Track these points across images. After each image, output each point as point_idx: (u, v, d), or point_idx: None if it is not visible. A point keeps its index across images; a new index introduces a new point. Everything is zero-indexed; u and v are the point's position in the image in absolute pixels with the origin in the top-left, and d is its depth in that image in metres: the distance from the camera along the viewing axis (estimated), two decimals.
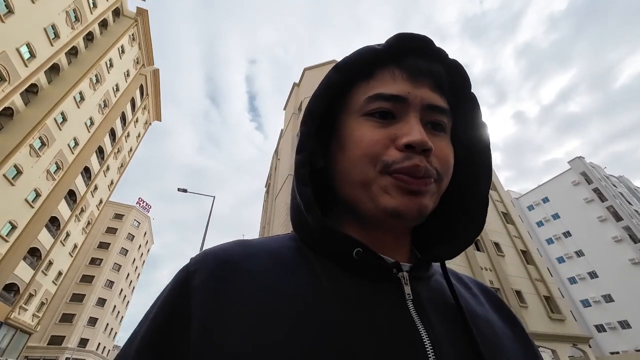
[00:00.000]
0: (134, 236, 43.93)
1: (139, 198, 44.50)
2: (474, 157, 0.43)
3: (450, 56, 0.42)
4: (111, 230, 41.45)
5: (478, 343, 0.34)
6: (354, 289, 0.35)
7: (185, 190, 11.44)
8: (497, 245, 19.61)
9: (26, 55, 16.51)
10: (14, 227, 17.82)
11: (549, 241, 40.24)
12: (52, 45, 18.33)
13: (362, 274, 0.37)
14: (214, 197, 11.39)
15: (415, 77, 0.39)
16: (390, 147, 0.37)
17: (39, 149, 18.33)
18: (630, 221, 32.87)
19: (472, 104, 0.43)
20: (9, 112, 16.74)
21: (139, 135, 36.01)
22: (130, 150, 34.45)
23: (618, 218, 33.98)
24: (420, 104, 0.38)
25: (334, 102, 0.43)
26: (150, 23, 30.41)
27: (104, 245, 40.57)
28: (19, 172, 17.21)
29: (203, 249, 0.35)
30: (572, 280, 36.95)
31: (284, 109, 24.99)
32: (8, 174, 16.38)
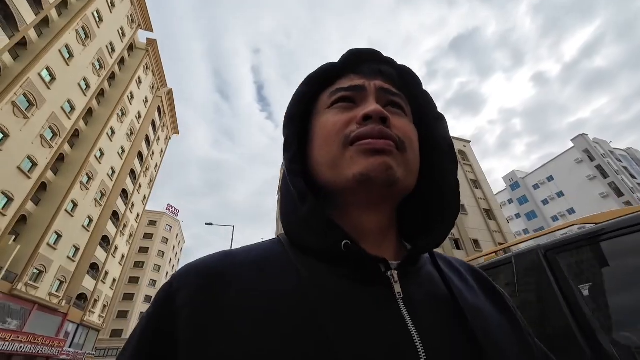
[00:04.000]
0: (167, 239, 49.07)
1: (168, 204, 49.40)
2: (437, 149, 0.45)
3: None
4: (148, 236, 46.65)
5: (477, 339, 0.33)
6: (342, 293, 0.34)
7: (211, 224, 14.70)
8: (475, 242, 21.75)
9: (68, 110, 19.89)
10: (77, 250, 22.07)
11: (554, 218, 41.23)
12: (85, 95, 21.63)
13: (350, 275, 0.36)
14: (234, 226, 14.50)
15: (368, 75, 0.45)
16: (351, 123, 0.40)
17: (86, 183, 22.13)
18: (632, 196, 33.39)
19: (425, 98, 0.47)
20: (61, 157, 20.45)
21: (161, 151, 39.87)
22: (156, 166, 38.44)
23: (619, 194, 34.49)
24: (374, 88, 0.43)
25: (306, 115, 0.47)
26: (155, 29, 33.15)
27: (143, 250, 45.93)
28: (75, 205, 21.15)
29: (187, 263, 0.39)
30: None
31: None
32: (68, 208, 20.29)
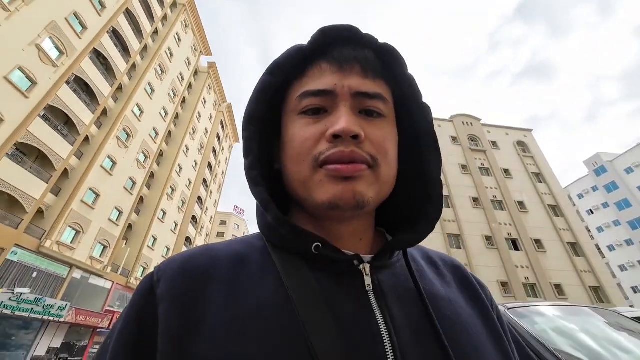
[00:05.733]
0: (236, 236, 54.54)
1: (235, 206, 55.07)
2: (420, 140, 0.43)
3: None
4: (220, 234, 52.79)
5: (437, 326, 0.35)
6: (317, 286, 0.36)
7: None
8: (538, 242, 19.96)
9: (153, 135, 24.12)
10: (168, 250, 26.76)
11: None
12: (165, 121, 25.88)
13: (325, 269, 0.38)
14: None
15: (342, 66, 0.39)
16: (321, 140, 0.37)
17: (171, 194, 26.59)
18: None
19: (409, 83, 0.42)
20: (151, 175, 25.01)
21: (226, 159, 44.76)
22: (223, 172, 43.38)
23: None
24: (349, 92, 0.38)
25: (278, 104, 0.44)
26: (213, 48, 37.13)
27: None
28: (164, 214, 25.68)
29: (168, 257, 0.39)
30: None
31: None
32: (160, 216, 24.79)
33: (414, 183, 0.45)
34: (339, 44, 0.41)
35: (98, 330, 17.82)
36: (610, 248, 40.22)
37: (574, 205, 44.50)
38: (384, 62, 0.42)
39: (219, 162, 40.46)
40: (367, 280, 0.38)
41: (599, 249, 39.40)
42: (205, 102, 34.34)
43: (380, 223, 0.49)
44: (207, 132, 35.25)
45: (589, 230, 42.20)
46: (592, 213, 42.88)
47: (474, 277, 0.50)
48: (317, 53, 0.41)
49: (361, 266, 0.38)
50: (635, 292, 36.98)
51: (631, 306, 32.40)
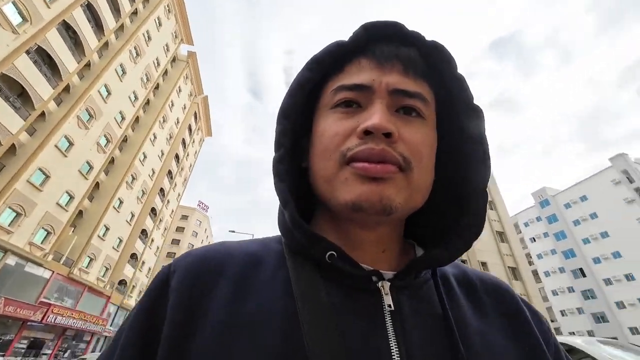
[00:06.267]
0: (197, 233, 52.86)
1: (199, 201, 53.15)
2: (465, 147, 0.39)
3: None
4: (180, 229, 50.55)
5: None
6: (326, 299, 0.33)
7: (234, 231, 16.66)
8: (484, 264, 21.62)
9: (119, 119, 22.81)
10: (121, 241, 25.20)
11: (585, 241, 39.06)
12: (134, 106, 24.58)
13: (340, 282, 0.35)
14: (253, 234, 16.32)
15: (382, 64, 0.37)
16: (351, 136, 0.35)
17: (131, 182, 25.17)
18: None
19: (459, 85, 0.39)
20: (111, 161, 23.54)
21: (195, 153, 43.22)
22: (190, 166, 41.82)
23: None
24: (386, 89, 0.36)
25: (313, 101, 0.42)
26: (196, 37, 36.19)
27: (175, 242, 49.84)
28: (121, 202, 24.19)
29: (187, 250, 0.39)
30: (608, 282, 36.25)
31: None
32: (115, 205, 23.31)
33: (454, 194, 0.41)
34: (381, 41, 0.39)
35: (29, 323, 16.27)
36: (547, 274, 44.50)
37: (520, 232, 48.75)
38: (430, 62, 0.39)
39: (188, 155, 38.97)
40: (387, 300, 0.34)
41: (537, 274, 43.41)
42: (180, 91, 33.09)
43: (411, 236, 0.46)
44: (178, 122, 33.90)
45: (530, 257, 46.43)
46: (535, 241, 47.24)
47: (527, 306, 0.43)
48: (357, 49, 0.39)
49: (380, 284, 0.35)
50: (563, 314, 41.17)
51: (572, 333, 35.63)
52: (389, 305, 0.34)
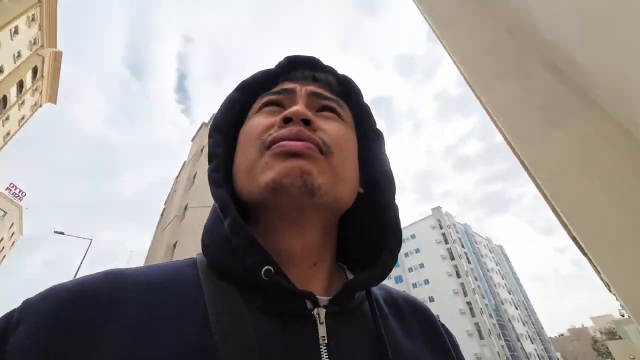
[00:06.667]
0: None
1: (10, 183, 38.26)
2: (376, 174, 0.42)
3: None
4: None
5: None
6: (253, 331, 0.28)
7: (62, 233, 12.55)
8: None
9: None
10: None
11: (410, 269, 49.86)
12: None
13: (269, 309, 0.31)
14: (91, 240, 12.51)
15: (301, 81, 0.42)
16: (273, 127, 0.36)
17: None
18: (459, 261, 44.05)
19: (364, 112, 0.43)
20: None
21: (22, 118, 32.11)
22: (9, 134, 30.56)
23: (452, 257, 44.91)
24: (305, 93, 0.40)
25: (244, 119, 0.43)
26: None
27: None
28: None
29: (56, 284, 0.29)
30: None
31: (192, 140, 25.61)
32: None
33: (368, 213, 0.41)
34: (302, 68, 0.45)
35: None
36: None
37: None
38: (342, 89, 0.45)
39: (7, 118, 28.47)
40: (322, 331, 0.30)
41: None
42: (16, 33, 24.57)
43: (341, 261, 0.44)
44: (1, 70, 24.73)
45: None
46: None
47: (441, 325, 0.44)
48: (281, 75, 0.45)
49: (315, 311, 0.31)
50: None
51: None
52: (323, 337, 0.30)
